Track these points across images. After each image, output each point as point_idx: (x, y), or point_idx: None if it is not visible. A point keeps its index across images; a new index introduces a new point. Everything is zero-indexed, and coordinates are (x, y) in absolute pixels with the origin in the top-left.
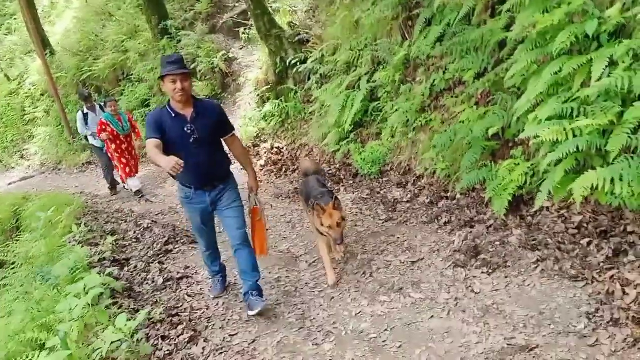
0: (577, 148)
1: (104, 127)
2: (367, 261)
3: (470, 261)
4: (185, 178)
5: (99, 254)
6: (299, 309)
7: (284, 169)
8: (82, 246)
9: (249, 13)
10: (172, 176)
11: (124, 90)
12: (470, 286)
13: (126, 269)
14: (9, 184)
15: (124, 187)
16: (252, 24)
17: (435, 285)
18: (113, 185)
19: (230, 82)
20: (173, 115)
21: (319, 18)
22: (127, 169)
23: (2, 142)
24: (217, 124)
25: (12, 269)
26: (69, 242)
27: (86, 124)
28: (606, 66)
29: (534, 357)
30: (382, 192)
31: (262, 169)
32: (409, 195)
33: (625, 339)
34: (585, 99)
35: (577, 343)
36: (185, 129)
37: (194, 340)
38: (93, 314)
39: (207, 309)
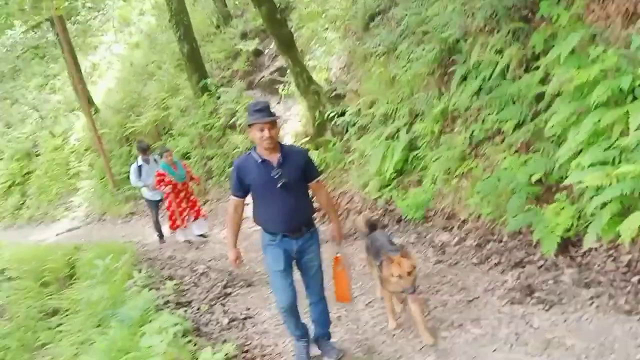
0: (622, 192)
1: (161, 177)
2: (423, 301)
3: (526, 299)
4: (271, 225)
5: (162, 297)
6: (364, 344)
7: (326, 216)
8: (150, 289)
9: (288, 70)
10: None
11: (165, 144)
12: (528, 322)
13: (189, 310)
14: (57, 234)
15: (176, 237)
16: (289, 81)
17: (495, 322)
18: (161, 233)
19: None
20: (260, 161)
21: (354, 74)
22: (186, 216)
23: (47, 196)
24: (303, 169)
25: (67, 315)
26: (130, 287)
27: (140, 175)
28: None
29: None
30: (428, 236)
31: None
32: (456, 239)
33: None
34: (626, 146)
35: None
36: (272, 174)
37: None
38: (174, 350)
39: (275, 346)
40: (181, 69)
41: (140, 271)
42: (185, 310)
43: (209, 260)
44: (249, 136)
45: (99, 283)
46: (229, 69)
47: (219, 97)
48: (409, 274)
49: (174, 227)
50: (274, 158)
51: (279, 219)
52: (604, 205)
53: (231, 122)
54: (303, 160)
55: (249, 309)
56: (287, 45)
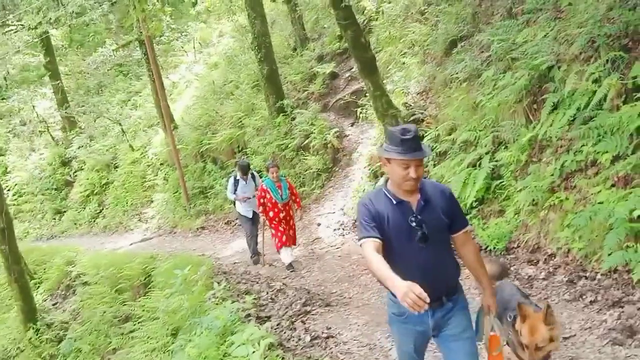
0: None
1: (263, 194)
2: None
3: (627, 340)
4: None
5: (243, 310)
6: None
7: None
8: (233, 302)
9: (367, 94)
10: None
11: (237, 161)
12: None
13: (269, 325)
14: (131, 244)
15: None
16: (365, 104)
17: None
18: (255, 253)
19: (341, 157)
20: (394, 202)
21: (433, 99)
22: (284, 238)
23: (123, 206)
24: (449, 215)
25: (140, 322)
26: (209, 299)
27: (235, 190)
28: None
29: None
30: (512, 268)
31: None
32: (543, 273)
33: None
34: None
35: None
36: (410, 221)
37: None
38: None
39: None
40: (258, 89)
41: (219, 284)
42: (268, 325)
43: (284, 277)
44: (383, 167)
45: (177, 292)
46: (304, 90)
47: (294, 118)
48: (538, 349)
49: (278, 246)
50: (413, 200)
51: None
52: None
53: (305, 143)
54: (448, 203)
55: (329, 328)
56: (370, 69)
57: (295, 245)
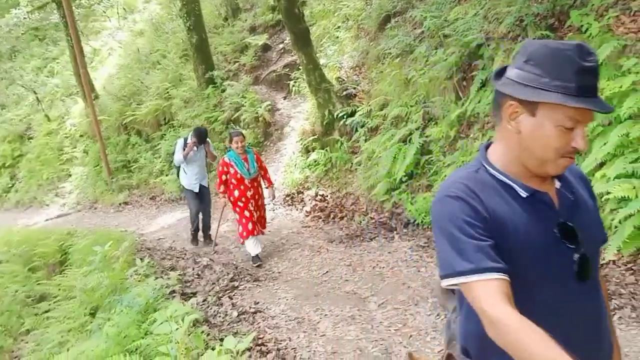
0: None
1: (225, 168)
2: (439, 304)
3: None
4: None
5: (167, 287)
6: (381, 344)
7: (331, 215)
8: (156, 278)
9: (300, 67)
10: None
11: (164, 134)
12: None
13: (195, 301)
14: (46, 220)
15: (242, 248)
16: (298, 77)
17: None
18: (195, 234)
19: (273, 131)
20: (524, 194)
21: (366, 74)
22: (250, 225)
23: (38, 180)
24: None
25: (56, 302)
26: (130, 276)
27: (185, 159)
28: None
29: None
30: None
31: (307, 215)
32: None
33: None
34: None
35: None
36: (557, 230)
37: None
38: (189, 339)
39: (289, 341)
40: (186, 59)
41: (142, 260)
42: (194, 301)
43: (213, 253)
44: (507, 124)
45: (96, 270)
46: (235, 62)
47: (224, 90)
48: None
49: (244, 235)
50: (551, 190)
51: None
52: (627, 218)
53: (235, 116)
54: (593, 197)
55: (257, 302)
56: (303, 41)
57: (264, 231)
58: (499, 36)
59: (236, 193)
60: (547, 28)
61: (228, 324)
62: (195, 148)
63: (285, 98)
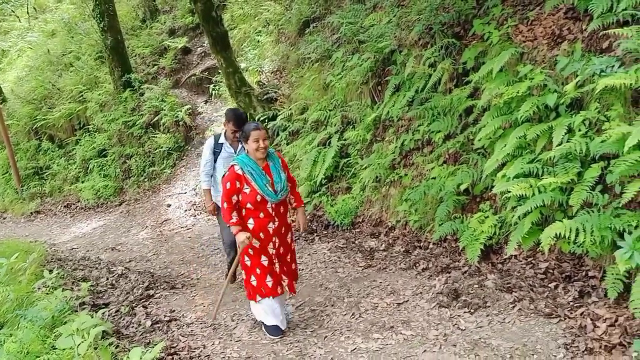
0: (543, 203)
1: (237, 184)
2: (354, 303)
3: (452, 302)
4: None
5: (77, 299)
6: (296, 346)
7: None
8: (64, 290)
9: (220, 71)
10: None
11: (79, 139)
12: (456, 324)
13: (108, 312)
14: None
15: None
16: (217, 80)
17: (424, 324)
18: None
19: (194, 135)
20: None
21: (287, 79)
22: (270, 279)
23: None
24: None
25: None
26: (38, 289)
27: (214, 164)
28: (565, 133)
29: None
30: (357, 242)
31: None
32: (383, 245)
33: None
34: (548, 160)
35: None
36: None
37: None
38: (95, 352)
39: (204, 348)
40: (102, 61)
41: (50, 272)
42: (104, 313)
43: (128, 262)
44: None
45: (1, 283)
46: (154, 65)
47: (142, 94)
48: None
49: (261, 292)
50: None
51: None
52: (526, 215)
53: (154, 120)
54: None
55: (173, 311)
56: (222, 44)
57: (294, 290)
58: (410, 43)
59: (250, 225)
60: (453, 36)
61: (141, 335)
62: (232, 150)
63: (206, 102)
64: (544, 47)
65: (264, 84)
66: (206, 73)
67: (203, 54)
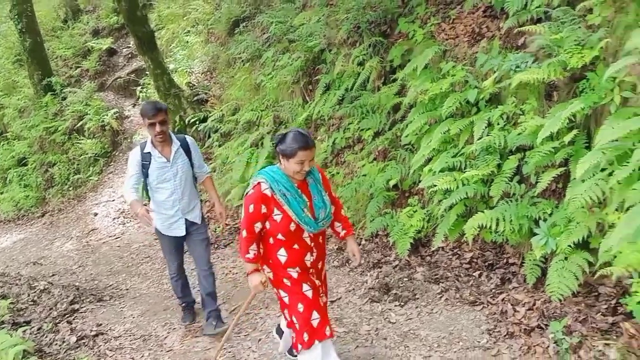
0: (466, 195)
1: (264, 208)
2: None
3: (384, 296)
4: None
5: None
6: (229, 352)
7: None
8: None
9: (147, 72)
10: None
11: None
12: (387, 317)
13: (28, 330)
14: None
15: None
16: (145, 83)
17: (356, 319)
18: (188, 306)
19: (122, 140)
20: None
21: (217, 79)
22: (316, 319)
23: None
24: None
25: None
26: None
27: (145, 178)
28: (485, 127)
29: None
30: None
31: None
32: None
33: (521, 347)
34: (470, 154)
35: (483, 355)
36: None
37: None
38: None
39: None
40: (21, 64)
41: None
42: (24, 331)
43: (51, 276)
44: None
45: None
46: (77, 67)
47: (64, 98)
48: None
49: (304, 341)
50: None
51: None
52: (451, 207)
53: (78, 125)
54: None
55: (100, 324)
56: (148, 45)
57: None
58: (339, 42)
59: (282, 257)
60: (381, 34)
61: (65, 352)
62: (164, 159)
63: (134, 105)
64: (465, 45)
65: (194, 85)
66: (133, 75)
67: (130, 56)
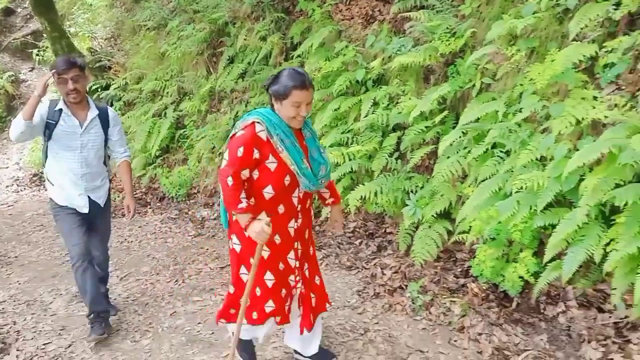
0: (352, 169)
1: (256, 151)
2: (179, 270)
3: None
4: None
5: None
6: (114, 315)
7: None
8: None
9: (44, 35)
10: None
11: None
12: None
13: None
14: None
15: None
16: (44, 46)
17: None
18: (98, 309)
19: (18, 104)
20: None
21: (122, 46)
22: (272, 303)
23: None
24: None
25: None
26: None
27: (47, 140)
28: (371, 105)
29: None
30: (190, 212)
31: None
32: (215, 214)
33: (383, 305)
34: (357, 130)
35: (350, 313)
36: None
37: (4, 351)
38: None
39: (14, 324)
40: None
41: None
42: None
43: None
44: None
45: None
46: None
47: None
48: None
49: (253, 318)
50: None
51: None
52: (339, 180)
53: None
54: None
55: None
56: (45, 6)
57: (309, 324)
58: (243, 16)
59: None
60: (283, 11)
61: None
62: (76, 121)
63: (32, 69)
64: (359, 26)
65: (96, 51)
66: (31, 37)
67: (28, 17)
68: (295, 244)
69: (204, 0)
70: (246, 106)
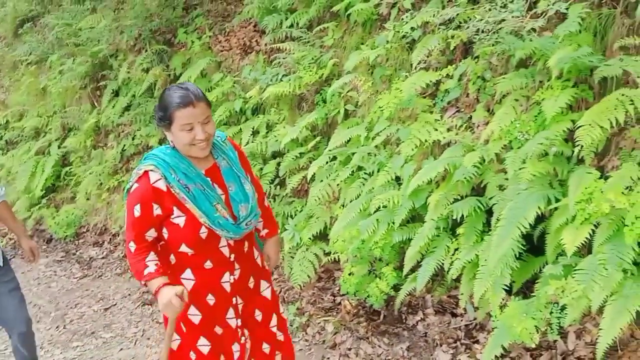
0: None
1: (155, 206)
2: (60, 316)
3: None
4: None
5: None
6: None
7: None
8: None
9: None
10: None
11: None
12: (155, 318)
13: None
14: None
15: None
16: None
17: (125, 324)
18: None
19: None
20: None
21: (2, 83)
22: None
23: None
24: None
25: None
26: None
27: None
28: (251, 134)
29: None
30: (77, 253)
31: None
32: (104, 252)
33: None
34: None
35: None
36: None
37: None
38: None
39: None
40: None
41: None
42: None
43: None
44: None
45: None
46: None
47: None
48: None
49: None
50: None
51: None
52: None
53: None
54: None
55: None
56: None
57: None
58: (126, 48)
59: (189, 282)
60: (165, 43)
61: None
62: None
63: None
64: (237, 57)
65: None
66: None
67: None
68: (234, 299)
69: (84, 33)
70: (133, 140)
